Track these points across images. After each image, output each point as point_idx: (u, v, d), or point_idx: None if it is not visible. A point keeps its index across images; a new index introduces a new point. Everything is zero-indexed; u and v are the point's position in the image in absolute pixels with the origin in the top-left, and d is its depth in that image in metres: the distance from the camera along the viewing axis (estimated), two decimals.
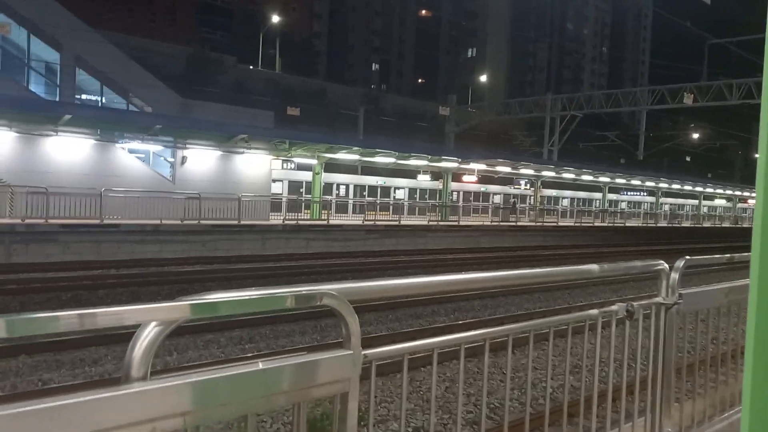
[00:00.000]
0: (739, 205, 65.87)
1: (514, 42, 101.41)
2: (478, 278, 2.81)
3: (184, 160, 24.61)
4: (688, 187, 53.59)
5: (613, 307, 3.04)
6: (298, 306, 1.75)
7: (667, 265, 3.34)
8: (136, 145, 24.03)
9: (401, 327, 10.99)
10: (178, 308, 1.46)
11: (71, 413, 1.24)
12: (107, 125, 22.47)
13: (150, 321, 1.42)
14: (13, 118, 20.17)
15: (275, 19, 61.48)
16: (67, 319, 1.30)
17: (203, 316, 1.55)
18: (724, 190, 58.54)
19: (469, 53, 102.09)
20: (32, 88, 29.43)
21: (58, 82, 30.26)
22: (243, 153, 25.92)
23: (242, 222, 22.67)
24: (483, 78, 74.19)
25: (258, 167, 26.50)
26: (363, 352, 1.80)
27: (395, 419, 6.27)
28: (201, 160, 24.97)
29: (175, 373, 1.50)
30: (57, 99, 29.21)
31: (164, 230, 20.43)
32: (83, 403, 1.27)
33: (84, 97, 34.07)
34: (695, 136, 66.06)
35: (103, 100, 32.67)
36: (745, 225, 54.35)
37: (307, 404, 1.79)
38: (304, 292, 1.74)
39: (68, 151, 21.65)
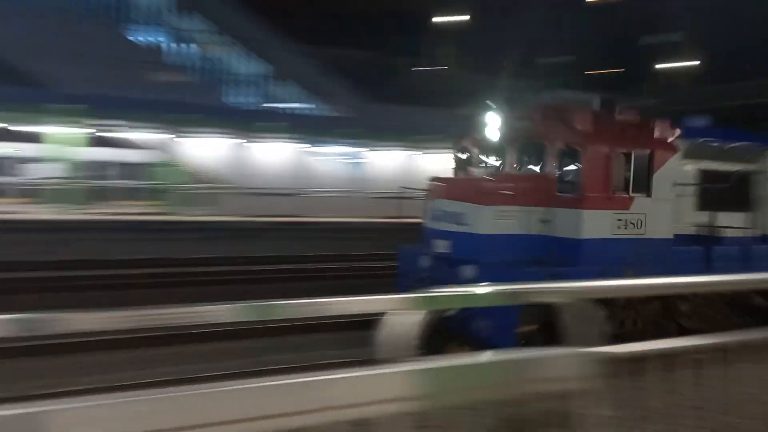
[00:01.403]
0: None
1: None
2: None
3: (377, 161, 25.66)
4: None
5: None
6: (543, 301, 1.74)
7: None
8: (342, 148, 25.60)
9: None
10: (424, 300, 1.50)
11: (333, 388, 1.34)
12: (312, 131, 24.17)
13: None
14: (233, 127, 22.37)
15: (442, 19, 61.57)
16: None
17: (461, 306, 1.60)
18: None
19: None
20: (240, 99, 32.78)
21: (266, 94, 33.35)
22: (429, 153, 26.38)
23: None
24: None
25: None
26: (600, 350, 1.72)
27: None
28: (389, 160, 25.86)
29: (416, 359, 1.55)
30: (265, 108, 32.20)
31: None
32: (341, 380, 1.36)
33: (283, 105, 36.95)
34: None
35: (300, 108, 35.16)
36: None
37: (534, 397, 1.75)
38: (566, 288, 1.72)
39: (276, 154, 23.71)
